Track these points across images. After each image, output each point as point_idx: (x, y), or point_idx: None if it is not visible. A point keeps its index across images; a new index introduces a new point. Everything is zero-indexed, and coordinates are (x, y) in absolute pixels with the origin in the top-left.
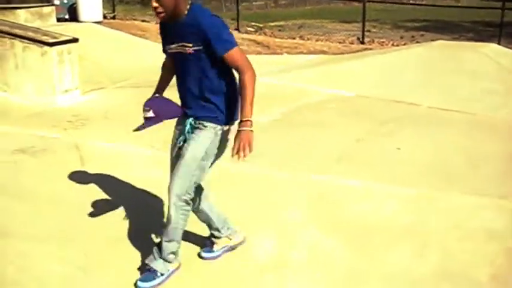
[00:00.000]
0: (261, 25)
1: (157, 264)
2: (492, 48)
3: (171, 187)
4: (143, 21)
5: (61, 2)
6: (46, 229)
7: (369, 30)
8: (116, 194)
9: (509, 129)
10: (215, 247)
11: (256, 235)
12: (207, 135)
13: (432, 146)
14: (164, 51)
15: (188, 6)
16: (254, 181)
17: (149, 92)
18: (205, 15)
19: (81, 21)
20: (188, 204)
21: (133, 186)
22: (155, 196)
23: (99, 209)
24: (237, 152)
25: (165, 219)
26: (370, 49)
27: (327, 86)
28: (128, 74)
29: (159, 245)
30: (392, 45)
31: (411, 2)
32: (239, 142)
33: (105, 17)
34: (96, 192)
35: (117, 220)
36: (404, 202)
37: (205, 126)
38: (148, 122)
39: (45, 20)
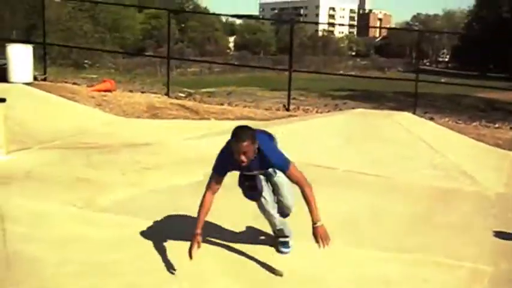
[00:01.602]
0: (192, 91)
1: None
2: (405, 116)
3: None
4: (74, 83)
5: None
6: None
7: (294, 98)
8: (38, 251)
9: (418, 191)
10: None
11: (168, 285)
12: None
13: (345, 207)
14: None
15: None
16: None
17: (74, 154)
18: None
19: (10, 82)
20: None
21: (56, 243)
22: (78, 250)
23: (22, 261)
24: (322, 241)
25: None
26: (295, 116)
27: None
28: (54, 136)
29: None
30: (317, 112)
31: (339, 72)
32: (320, 235)
33: (35, 78)
34: (17, 250)
35: (36, 273)
36: (310, 256)
37: None
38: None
39: None
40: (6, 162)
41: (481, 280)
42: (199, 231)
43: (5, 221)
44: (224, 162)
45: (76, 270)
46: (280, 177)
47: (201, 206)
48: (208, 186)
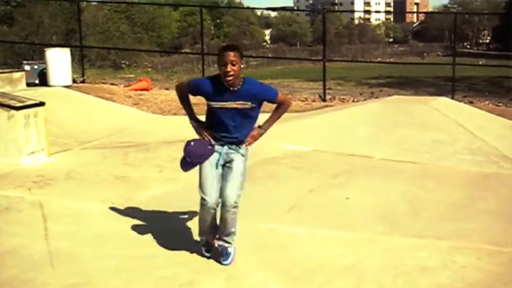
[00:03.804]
0: None
1: (229, 248)
2: (441, 101)
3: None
4: (112, 84)
5: (31, 67)
6: (11, 276)
7: (330, 88)
8: (78, 247)
9: (455, 177)
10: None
11: (205, 278)
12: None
13: (380, 195)
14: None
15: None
16: None
17: (112, 153)
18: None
19: (50, 86)
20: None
21: (95, 240)
22: (117, 246)
23: (64, 257)
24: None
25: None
26: (331, 106)
27: (284, 142)
28: (93, 136)
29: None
30: (353, 101)
31: (376, 60)
32: (252, 135)
33: (74, 81)
34: (58, 247)
35: (78, 269)
36: (346, 245)
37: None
38: (184, 166)
39: (14, 85)
40: (48, 163)
41: None
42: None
43: (47, 220)
44: (203, 86)
45: (115, 265)
46: (238, 167)
47: (183, 103)
48: (180, 94)
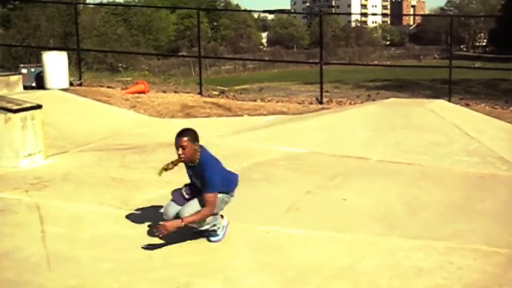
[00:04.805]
0: (225, 88)
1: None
2: (438, 104)
3: None
4: (109, 87)
5: (28, 70)
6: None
7: (327, 91)
8: (75, 250)
9: (452, 178)
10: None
11: (201, 280)
12: None
13: (377, 196)
14: None
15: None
16: None
17: (109, 156)
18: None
19: (47, 89)
20: None
21: (91, 242)
22: (114, 248)
23: (61, 260)
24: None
25: None
26: (328, 108)
27: (281, 144)
28: (90, 139)
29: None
30: (350, 103)
31: (372, 63)
32: (165, 225)
33: (71, 84)
34: (55, 249)
35: (75, 272)
36: (342, 246)
37: None
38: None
39: (11, 88)
40: (45, 166)
41: None
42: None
43: (44, 223)
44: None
45: (112, 267)
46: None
47: None
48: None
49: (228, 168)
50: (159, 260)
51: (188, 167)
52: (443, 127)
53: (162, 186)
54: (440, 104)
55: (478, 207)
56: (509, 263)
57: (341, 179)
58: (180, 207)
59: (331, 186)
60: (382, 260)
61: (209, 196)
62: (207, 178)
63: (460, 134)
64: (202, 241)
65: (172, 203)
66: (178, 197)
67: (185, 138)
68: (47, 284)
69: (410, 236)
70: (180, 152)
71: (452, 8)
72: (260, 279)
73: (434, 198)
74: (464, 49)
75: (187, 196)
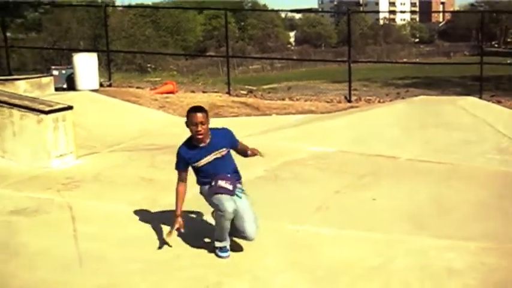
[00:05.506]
0: (254, 88)
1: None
2: (469, 101)
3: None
4: (138, 88)
5: (59, 72)
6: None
7: (356, 89)
8: (106, 249)
9: (483, 177)
10: None
11: (231, 280)
12: None
13: (407, 196)
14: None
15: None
16: None
17: (139, 156)
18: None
19: (78, 90)
20: None
21: (122, 241)
22: (143, 248)
23: (92, 259)
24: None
25: None
26: (357, 107)
27: (310, 144)
28: (120, 139)
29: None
30: (379, 102)
31: (401, 60)
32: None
33: (101, 85)
34: (87, 248)
35: (105, 271)
36: (372, 246)
37: None
38: None
39: (43, 89)
40: (77, 166)
41: None
42: (179, 212)
43: (76, 222)
44: (183, 156)
45: (141, 267)
46: (243, 202)
47: (177, 195)
48: (178, 180)
49: (257, 168)
50: (188, 259)
51: (198, 159)
52: (475, 125)
53: (190, 186)
54: (471, 101)
55: (510, 206)
56: None
57: (370, 179)
58: (235, 197)
59: (360, 186)
60: (413, 260)
61: (240, 143)
62: (228, 135)
63: (492, 132)
64: (236, 240)
65: (227, 196)
66: (227, 185)
67: (204, 114)
68: (78, 283)
69: (441, 235)
70: (199, 128)
71: (482, 4)
72: (290, 278)
73: (465, 197)
74: (496, 45)
75: (229, 175)
